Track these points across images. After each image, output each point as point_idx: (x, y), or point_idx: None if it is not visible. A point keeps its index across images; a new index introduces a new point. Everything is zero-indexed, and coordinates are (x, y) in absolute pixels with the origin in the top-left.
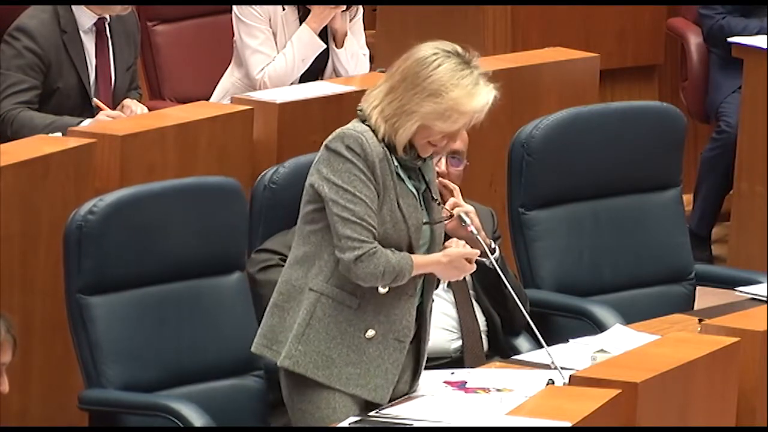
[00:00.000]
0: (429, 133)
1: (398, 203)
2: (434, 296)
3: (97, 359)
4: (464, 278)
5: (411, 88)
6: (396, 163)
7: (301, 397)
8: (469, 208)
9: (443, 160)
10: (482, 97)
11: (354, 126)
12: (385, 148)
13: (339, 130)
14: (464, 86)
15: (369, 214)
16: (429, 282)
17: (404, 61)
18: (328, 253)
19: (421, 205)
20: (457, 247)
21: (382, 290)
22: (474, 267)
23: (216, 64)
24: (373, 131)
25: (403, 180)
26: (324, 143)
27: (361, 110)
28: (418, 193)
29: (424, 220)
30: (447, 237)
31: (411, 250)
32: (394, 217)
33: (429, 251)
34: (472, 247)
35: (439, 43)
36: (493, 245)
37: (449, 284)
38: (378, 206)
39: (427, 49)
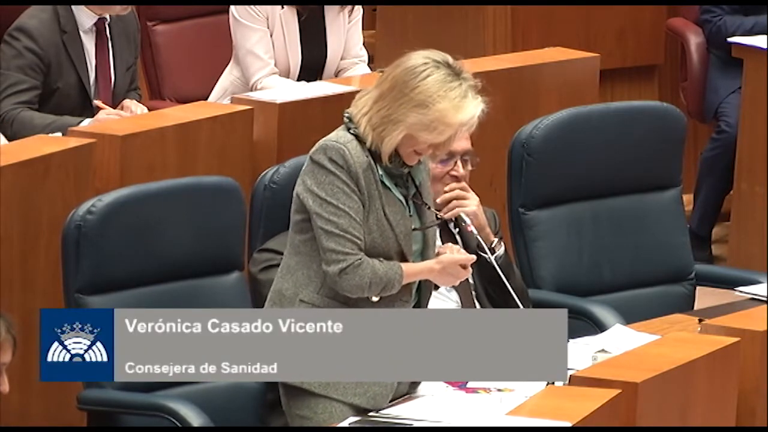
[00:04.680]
0: (415, 143)
1: (384, 212)
2: (440, 297)
3: None
4: (467, 279)
5: (399, 98)
6: (381, 172)
7: (299, 403)
8: (473, 202)
9: (459, 164)
10: (469, 110)
11: (338, 136)
12: (370, 157)
13: (323, 140)
14: (451, 98)
15: (353, 225)
16: (425, 284)
17: (394, 69)
18: (317, 263)
19: (410, 212)
20: (451, 252)
21: (374, 298)
22: (470, 272)
23: (216, 64)
24: (360, 139)
25: (389, 188)
26: (309, 154)
27: (349, 116)
28: (406, 200)
29: (413, 227)
30: (449, 239)
31: (403, 258)
32: (381, 226)
33: (423, 256)
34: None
35: (431, 53)
36: (496, 242)
37: (453, 285)
38: (364, 217)
39: (418, 58)
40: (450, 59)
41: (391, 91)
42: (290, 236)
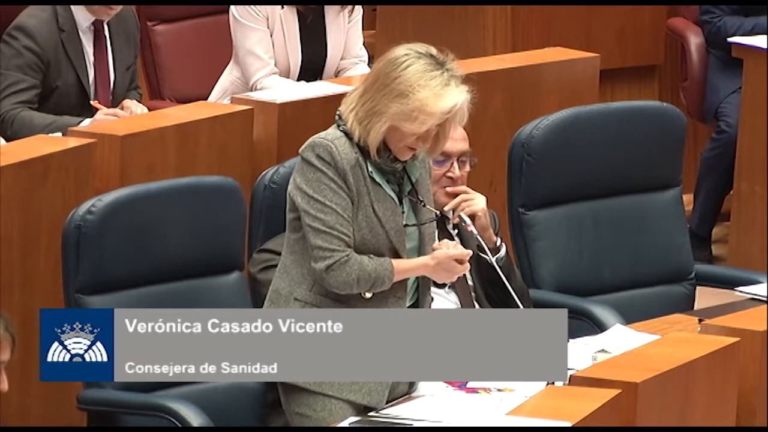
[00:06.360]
0: (401, 136)
1: (373, 208)
2: (439, 297)
3: None
4: (466, 280)
5: (381, 89)
6: (370, 168)
7: (297, 401)
8: (480, 200)
9: (455, 165)
10: (451, 98)
11: (327, 134)
12: (359, 154)
13: (312, 138)
14: (432, 87)
15: (340, 222)
16: (424, 282)
17: (378, 63)
18: (310, 261)
19: (403, 208)
20: (447, 248)
21: (367, 295)
22: (466, 267)
23: (216, 64)
24: (349, 135)
25: (379, 184)
26: (299, 151)
27: (339, 114)
28: (399, 196)
29: (405, 223)
30: (445, 236)
31: (395, 254)
32: (370, 223)
33: (419, 253)
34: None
35: (414, 45)
36: (498, 243)
37: (452, 286)
38: (353, 213)
39: (400, 50)
40: (433, 50)
41: (374, 83)
42: (286, 236)
